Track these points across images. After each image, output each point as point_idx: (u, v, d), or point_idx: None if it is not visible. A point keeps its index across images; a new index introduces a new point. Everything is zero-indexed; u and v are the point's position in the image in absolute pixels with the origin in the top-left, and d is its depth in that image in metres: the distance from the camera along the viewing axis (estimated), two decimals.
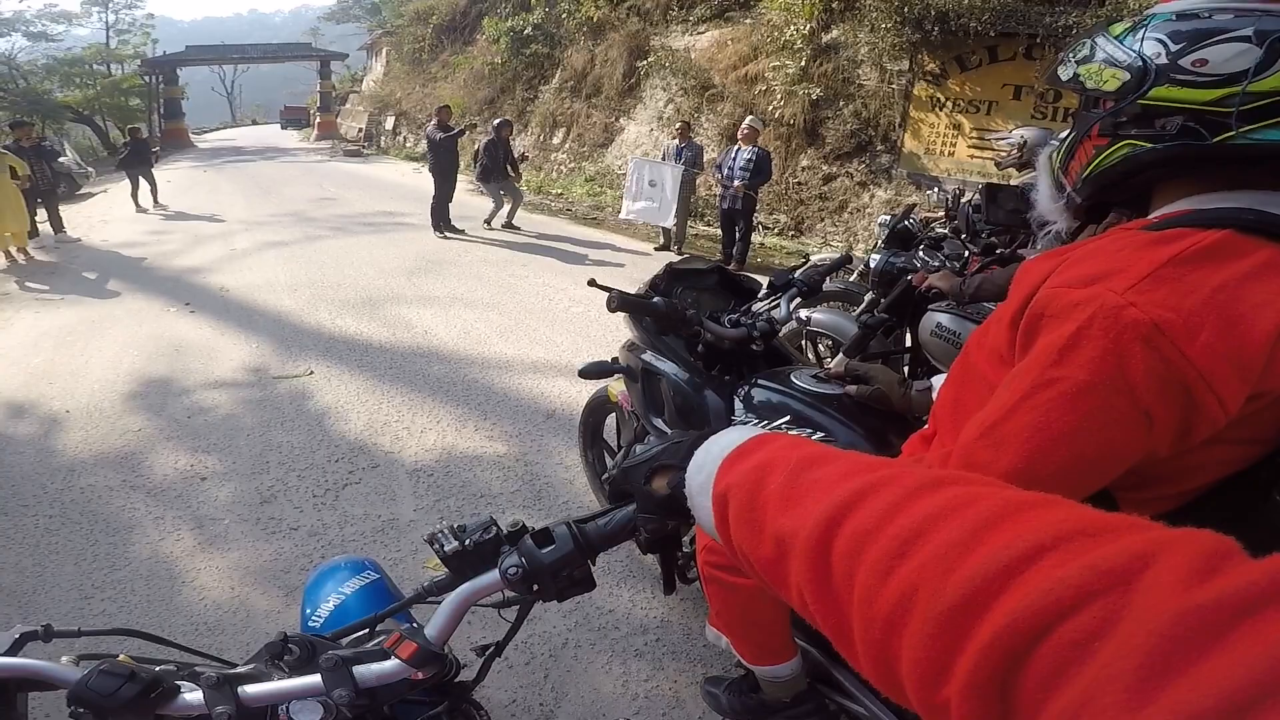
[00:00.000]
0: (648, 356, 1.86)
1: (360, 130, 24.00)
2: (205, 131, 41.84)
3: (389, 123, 21.77)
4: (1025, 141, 3.82)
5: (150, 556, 2.44)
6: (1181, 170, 0.79)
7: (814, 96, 8.44)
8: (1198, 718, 0.22)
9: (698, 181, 7.95)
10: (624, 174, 11.63)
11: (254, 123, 52.63)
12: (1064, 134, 0.93)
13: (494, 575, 0.67)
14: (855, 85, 8.29)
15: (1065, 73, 0.86)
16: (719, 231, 7.50)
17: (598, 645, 2.05)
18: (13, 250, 7.25)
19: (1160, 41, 0.76)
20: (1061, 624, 0.29)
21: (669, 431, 1.77)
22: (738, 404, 1.64)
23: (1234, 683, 0.23)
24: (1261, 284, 0.69)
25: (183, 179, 15.71)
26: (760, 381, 1.64)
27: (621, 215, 8.19)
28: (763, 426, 1.53)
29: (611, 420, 2.50)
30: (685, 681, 1.92)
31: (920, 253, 3.44)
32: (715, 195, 8.19)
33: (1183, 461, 0.74)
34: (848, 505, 0.41)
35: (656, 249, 7.73)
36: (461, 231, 8.32)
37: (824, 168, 8.59)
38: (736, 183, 6.36)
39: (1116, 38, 0.81)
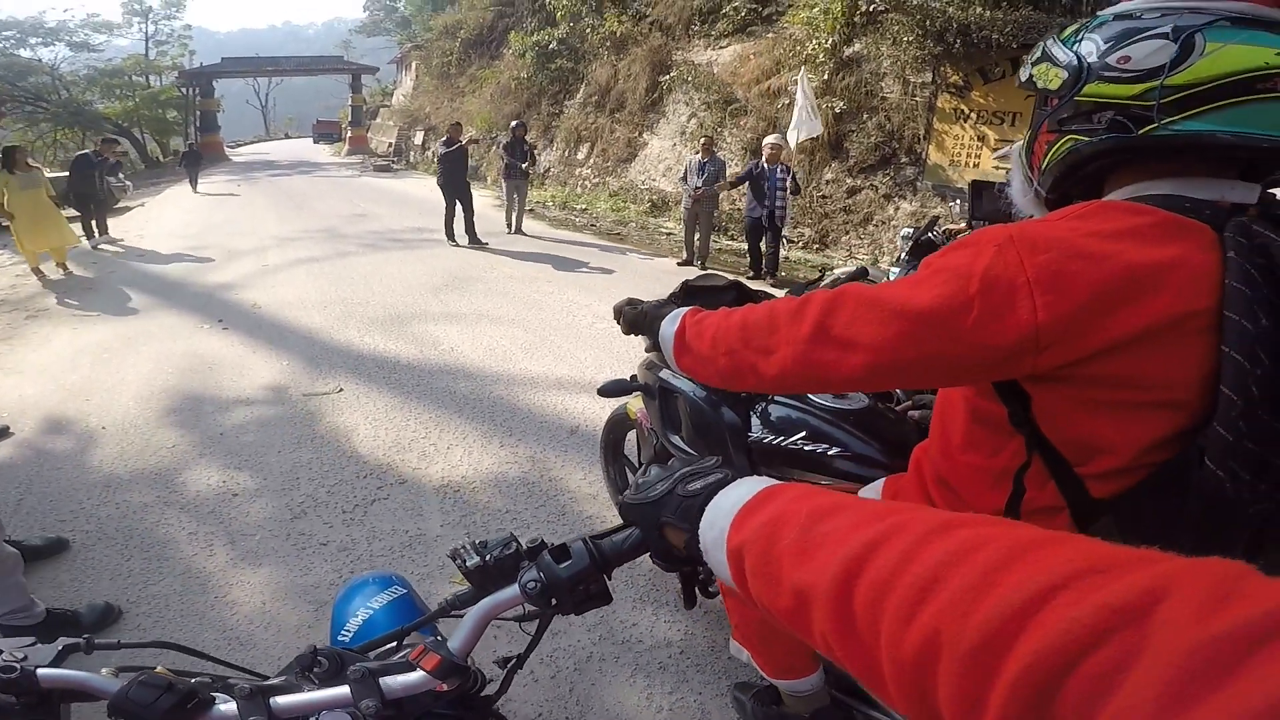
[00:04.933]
0: (665, 374, 1.87)
1: (390, 145, 24.49)
2: (240, 145, 42.99)
3: (418, 137, 22.17)
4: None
5: (185, 572, 2.51)
6: (1119, 161, 0.84)
7: (837, 110, 8.45)
8: None
9: (720, 197, 7.98)
10: (646, 188, 11.76)
11: (287, 136, 54.04)
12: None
13: (514, 590, 0.68)
14: (879, 98, 8.29)
15: (1023, 74, 0.92)
16: (743, 245, 7.49)
17: (621, 659, 2.07)
18: (53, 264, 7.53)
19: (1094, 41, 0.82)
20: (1084, 660, 0.30)
21: (687, 450, 1.77)
22: (755, 420, 1.65)
23: (1252, 710, 0.23)
24: (1143, 239, 0.74)
25: (220, 192, 16.17)
26: (777, 398, 1.66)
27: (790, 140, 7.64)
28: (775, 440, 1.55)
29: (632, 437, 2.52)
30: (710, 694, 1.93)
31: None
32: (739, 210, 8.21)
33: (1109, 427, 0.80)
34: (862, 557, 0.42)
35: (680, 264, 7.76)
36: (483, 244, 8.60)
37: (848, 180, 8.58)
38: (778, 198, 6.69)
39: (1063, 40, 0.86)
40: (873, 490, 1.22)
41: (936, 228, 4.19)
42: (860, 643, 0.41)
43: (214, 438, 3.57)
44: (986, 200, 3.47)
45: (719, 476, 0.62)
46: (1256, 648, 0.25)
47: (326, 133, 38.07)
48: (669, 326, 1.09)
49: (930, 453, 1.07)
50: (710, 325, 1.01)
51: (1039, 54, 0.90)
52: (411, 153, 22.67)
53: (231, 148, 36.62)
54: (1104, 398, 0.78)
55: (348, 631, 1.01)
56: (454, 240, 8.79)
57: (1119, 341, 0.73)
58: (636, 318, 1.21)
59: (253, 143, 46.85)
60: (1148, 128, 0.77)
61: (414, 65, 25.77)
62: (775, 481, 0.57)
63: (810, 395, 1.62)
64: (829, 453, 1.53)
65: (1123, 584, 0.32)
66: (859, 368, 0.82)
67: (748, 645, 1.45)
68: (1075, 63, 0.83)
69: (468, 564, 0.71)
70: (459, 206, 8.68)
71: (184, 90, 31.39)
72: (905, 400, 1.69)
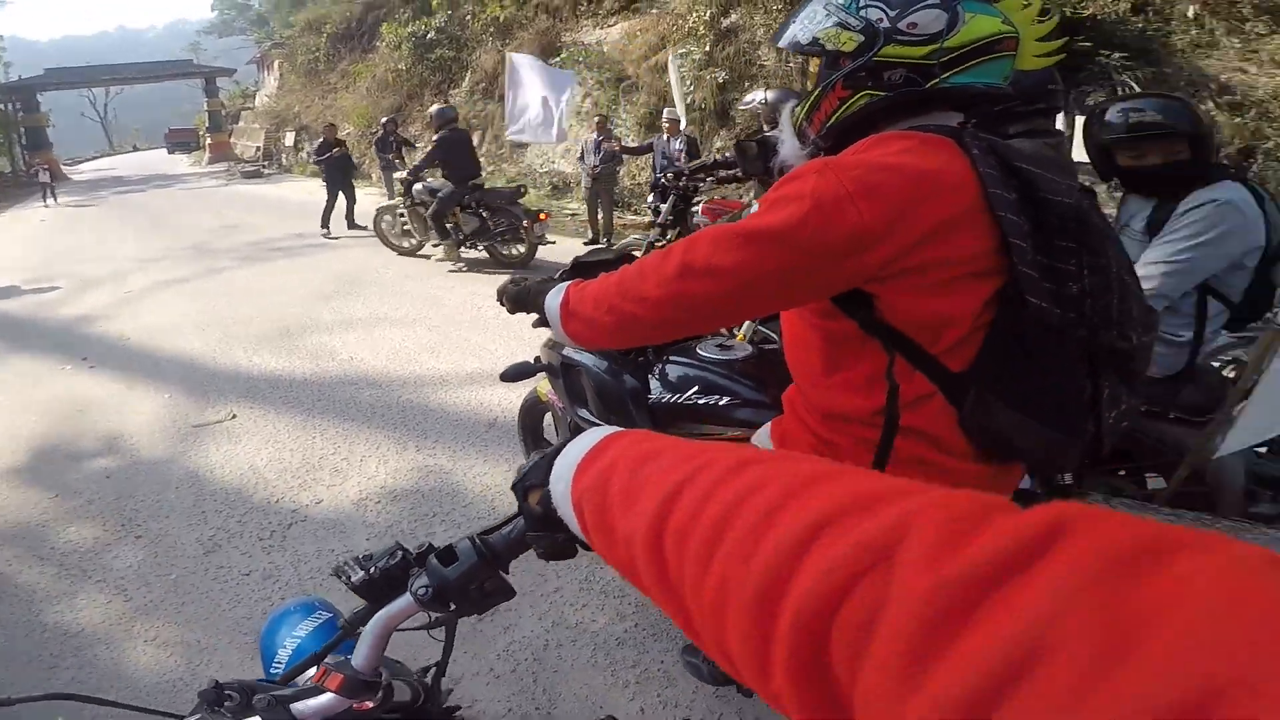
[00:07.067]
0: (567, 351, 1.91)
1: (258, 149, 23.15)
2: (80, 161, 39.41)
3: (289, 139, 21.09)
4: (767, 100, 4.84)
5: (103, 620, 2.40)
6: (901, 113, 1.02)
7: (720, 80, 8.74)
8: (957, 704, 0.22)
9: (621, 173, 8.09)
10: (545, 171, 11.70)
11: (135, 148, 50.06)
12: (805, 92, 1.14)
13: (407, 598, 0.69)
14: (757, 66, 8.64)
15: (804, 36, 1.04)
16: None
17: (579, 641, 2.12)
18: None
19: (880, 9, 0.97)
20: (842, 607, 0.28)
21: (596, 422, 1.82)
22: (654, 383, 1.73)
23: (989, 663, 0.22)
24: (919, 153, 0.92)
25: (59, 217, 14.83)
26: (671, 358, 1.75)
27: (508, 135, 8.43)
28: (673, 399, 1.66)
29: (551, 419, 2.56)
30: (672, 659, 2.00)
31: None
32: (640, 185, 8.36)
33: (945, 303, 0.96)
34: (671, 499, 0.41)
35: (587, 244, 7.81)
36: (363, 228, 9.30)
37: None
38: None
39: (844, 6, 0.99)
40: (761, 435, 1.32)
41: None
42: (674, 592, 0.39)
43: (99, 482, 3.36)
44: (749, 160, 3.98)
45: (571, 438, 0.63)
46: (989, 590, 0.24)
47: (183, 141, 35.52)
48: (553, 299, 1.18)
49: (800, 388, 1.19)
50: (592, 289, 1.11)
51: (819, 18, 1.02)
52: (283, 155, 21.52)
53: (69, 165, 33.54)
54: (933, 279, 0.94)
55: (279, 663, 1.00)
56: (326, 229, 9.57)
57: (928, 231, 0.91)
58: (520, 294, 1.29)
59: (96, 158, 42.97)
60: (932, 82, 0.97)
61: (276, 64, 24.43)
62: (619, 430, 0.57)
63: (700, 350, 1.73)
64: (721, 403, 1.63)
65: (875, 520, 0.30)
66: (725, 293, 0.95)
67: None
68: (870, 28, 0.97)
69: (353, 580, 0.72)
70: (342, 197, 9.67)
71: (3, 106, 28.44)
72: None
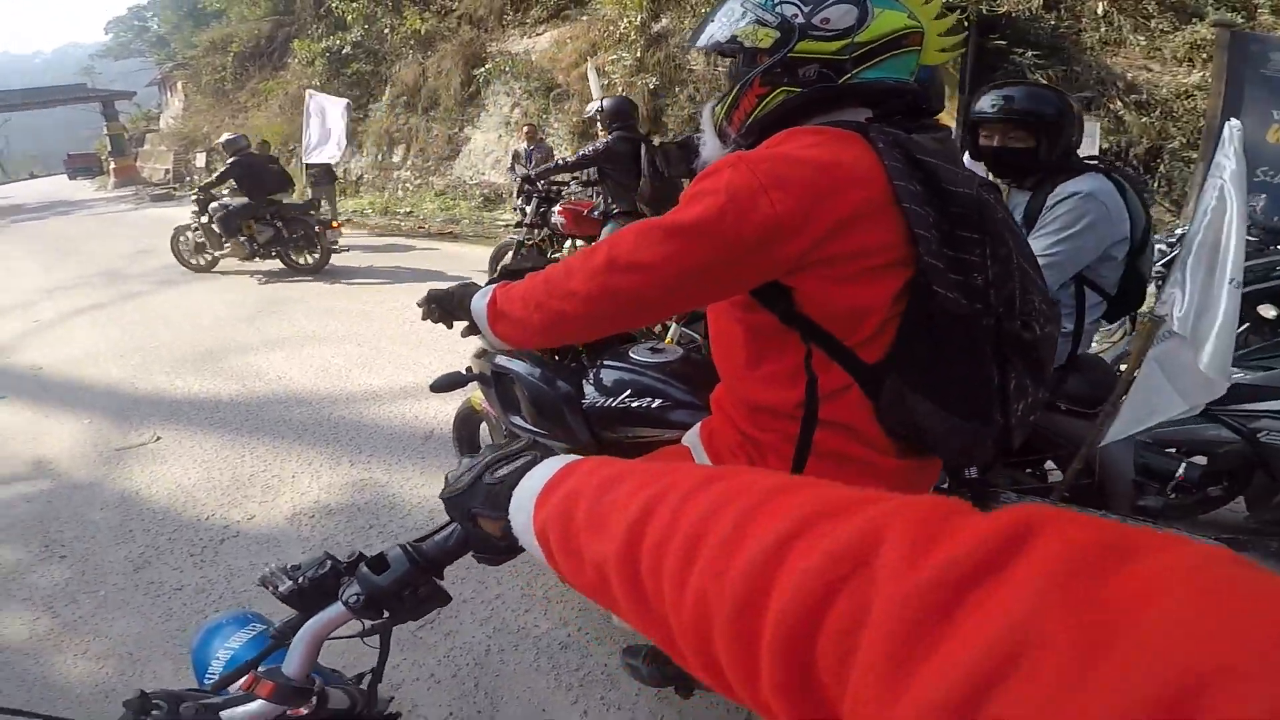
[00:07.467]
0: (500, 359, 1.91)
1: (167, 171, 22.37)
2: None
3: (200, 160, 20.47)
4: (604, 108, 5.10)
5: (30, 636, 2.40)
6: (816, 109, 1.05)
7: (651, 85, 8.97)
8: (944, 706, 0.23)
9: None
10: (475, 183, 11.74)
11: (33, 175, 47.40)
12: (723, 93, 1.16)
13: (338, 607, 0.70)
14: (687, 71, 8.91)
15: (723, 35, 1.06)
16: None
17: (521, 646, 2.17)
18: None
19: (794, 4, 1.00)
20: (825, 616, 0.29)
21: (530, 429, 1.84)
22: (588, 388, 1.74)
23: (972, 664, 0.23)
24: (827, 147, 0.96)
25: None
26: (605, 363, 1.77)
27: (305, 159, 9.58)
28: (607, 403, 1.70)
29: (486, 428, 2.61)
30: (616, 663, 2.02)
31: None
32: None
33: (861, 294, 0.98)
34: (642, 520, 0.42)
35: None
36: None
37: None
38: None
39: (760, 3, 1.02)
40: (691, 435, 1.31)
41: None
42: (652, 611, 0.41)
43: (18, 505, 3.31)
44: (674, 160, 4.45)
45: (526, 459, 0.63)
46: (965, 591, 0.25)
47: (85, 166, 33.86)
48: (480, 301, 1.19)
49: (726, 385, 1.20)
50: (519, 289, 1.12)
51: (736, 16, 1.04)
52: (195, 176, 20.85)
53: None
54: (845, 270, 0.97)
55: (212, 674, 1.00)
56: None
57: (838, 223, 0.93)
58: (444, 299, 1.29)
59: None
60: (845, 77, 1.00)
61: (180, 85, 23.75)
62: (576, 458, 0.59)
63: (633, 354, 1.77)
64: (654, 405, 1.64)
65: (846, 528, 0.31)
66: (650, 286, 0.98)
67: None
68: (785, 23, 0.99)
69: (280, 589, 0.72)
70: None
71: None
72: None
